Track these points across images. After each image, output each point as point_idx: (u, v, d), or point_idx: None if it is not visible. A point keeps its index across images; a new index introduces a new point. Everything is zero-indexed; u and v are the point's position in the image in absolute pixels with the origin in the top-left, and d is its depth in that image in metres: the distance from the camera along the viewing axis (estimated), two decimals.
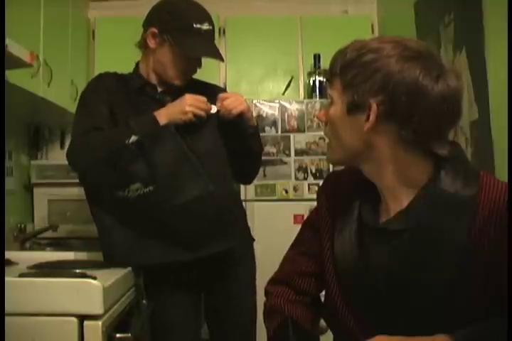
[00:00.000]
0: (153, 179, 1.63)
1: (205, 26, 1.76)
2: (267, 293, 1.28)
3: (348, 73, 1.01)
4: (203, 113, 1.72)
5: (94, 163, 1.67)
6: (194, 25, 1.74)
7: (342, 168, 1.20)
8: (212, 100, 1.80)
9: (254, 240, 1.95)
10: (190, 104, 1.70)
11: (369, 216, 1.10)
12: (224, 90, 2.03)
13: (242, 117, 1.78)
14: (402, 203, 1.05)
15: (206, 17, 1.79)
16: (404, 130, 0.99)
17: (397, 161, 1.03)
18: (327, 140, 1.12)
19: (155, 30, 1.78)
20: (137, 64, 1.90)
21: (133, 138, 1.64)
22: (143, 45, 1.84)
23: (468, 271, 0.98)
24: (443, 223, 1.00)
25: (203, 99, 1.74)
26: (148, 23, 1.82)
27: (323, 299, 1.23)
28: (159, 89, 1.85)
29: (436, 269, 1.00)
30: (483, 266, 0.97)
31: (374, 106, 0.99)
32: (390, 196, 1.07)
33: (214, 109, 1.79)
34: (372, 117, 0.99)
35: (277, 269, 1.29)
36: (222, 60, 1.83)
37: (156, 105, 1.76)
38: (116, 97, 1.78)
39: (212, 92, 1.87)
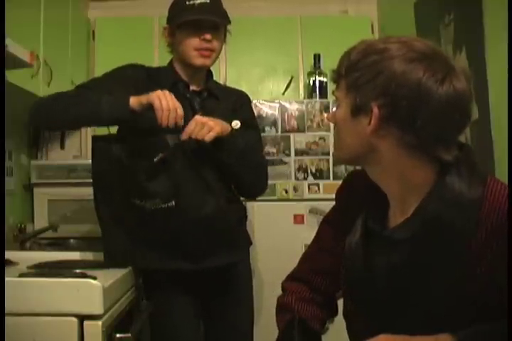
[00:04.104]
0: (174, 195, 1.65)
1: (199, 0, 1.77)
2: (282, 288, 1.28)
3: (352, 74, 0.99)
4: (167, 105, 1.60)
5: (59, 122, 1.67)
6: (187, 3, 1.78)
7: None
8: (235, 104, 1.86)
9: (251, 244, 1.96)
10: (163, 91, 1.62)
11: (375, 221, 1.09)
12: (245, 96, 2.02)
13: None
14: (408, 210, 1.03)
15: None
16: (407, 134, 0.97)
17: (400, 166, 1.01)
18: (334, 139, 1.10)
19: (166, 26, 1.86)
20: (171, 60, 1.92)
21: (160, 155, 1.63)
22: (168, 46, 1.90)
23: (473, 274, 0.97)
24: (450, 228, 0.98)
25: (177, 103, 1.63)
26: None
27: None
28: (191, 88, 1.86)
29: (441, 274, 0.99)
30: (486, 270, 0.96)
31: (375, 110, 0.97)
32: (395, 201, 1.07)
33: (237, 124, 1.74)
34: (373, 121, 0.97)
35: (296, 266, 1.29)
36: (223, 20, 1.81)
37: (185, 102, 1.77)
38: (146, 89, 1.70)
39: (234, 96, 1.94)
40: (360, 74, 0.98)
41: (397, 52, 0.96)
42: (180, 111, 1.62)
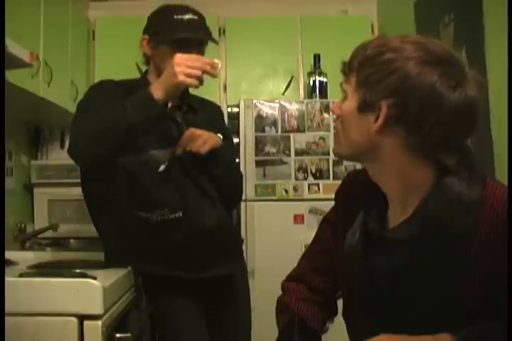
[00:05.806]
0: (181, 206, 1.65)
1: (188, 16, 1.72)
2: (282, 288, 1.28)
3: (365, 70, 0.99)
4: (197, 72, 1.53)
5: (100, 153, 1.56)
6: (175, 17, 1.72)
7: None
8: (211, 116, 1.84)
9: (243, 241, 1.98)
10: (177, 63, 1.52)
11: (374, 222, 1.09)
12: (219, 108, 2.01)
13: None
14: (408, 210, 1.03)
15: (189, 9, 1.75)
16: (413, 136, 0.97)
17: (401, 165, 1.01)
18: (336, 133, 1.09)
19: (146, 36, 1.79)
20: (146, 71, 1.85)
21: (165, 164, 1.63)
22: (144, 56, 1.83)
23: (472, 274, 0.97)
24: (449, 229, 0.98)
25: (195, 56, 1.59)
26: (142, 34, 1.82)
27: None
28: (170, 103, 1.75)
29: (440, 274, 0.99)
30: (486, 270, 0.96)
31: (384, 108, 0.97)
32: (395, 201, 1.07)
33: (220, 138, 1.74)
34: (381, 119, 0.97)
35: (295, 266, 1.29)
36: (208, 40, 1.76)
37: (166, 119, 1.73)
38: None
39: (210, 108, 1.91)
40: (373, 71, 0.98)
41: (413, 53, 0.96)
42: (207, 60, 1.56)
